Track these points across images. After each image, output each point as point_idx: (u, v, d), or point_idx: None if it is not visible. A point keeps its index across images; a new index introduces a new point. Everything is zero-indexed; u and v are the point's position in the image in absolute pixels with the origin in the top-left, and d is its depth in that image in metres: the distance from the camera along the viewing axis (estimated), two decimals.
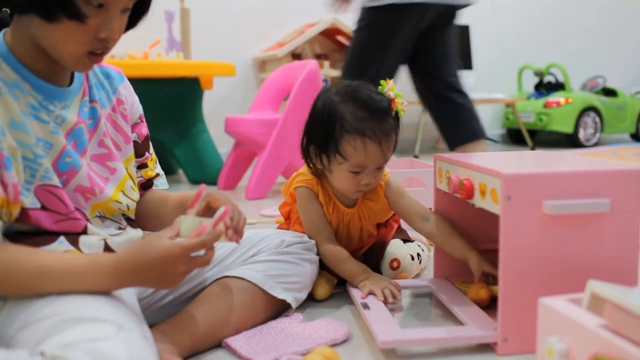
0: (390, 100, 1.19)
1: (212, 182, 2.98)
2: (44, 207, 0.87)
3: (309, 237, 1.26)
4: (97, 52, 0.86)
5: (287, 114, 2.62)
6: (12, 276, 0.80)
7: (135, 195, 1.03)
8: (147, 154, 1.10)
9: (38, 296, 0.81)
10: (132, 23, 0.91)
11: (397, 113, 1.20)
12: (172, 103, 2.87)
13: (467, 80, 4.43)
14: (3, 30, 0.89)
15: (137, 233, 1.04)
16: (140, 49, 3.09)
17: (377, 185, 1.28)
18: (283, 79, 2.87)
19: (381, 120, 1.17)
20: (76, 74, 0.95)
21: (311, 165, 1.27)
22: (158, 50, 3.09)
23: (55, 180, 0.88)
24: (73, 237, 0.90)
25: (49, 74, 0.89)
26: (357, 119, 1.16)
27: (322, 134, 1.19)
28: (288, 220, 1.41)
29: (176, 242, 0.83)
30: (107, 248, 0.94)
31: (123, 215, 1.02)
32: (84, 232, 0.92)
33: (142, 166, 1.09)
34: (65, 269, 0.81)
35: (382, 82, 1.21)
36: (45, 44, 0.85)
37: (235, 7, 3.97)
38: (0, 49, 0.86)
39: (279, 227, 1.42)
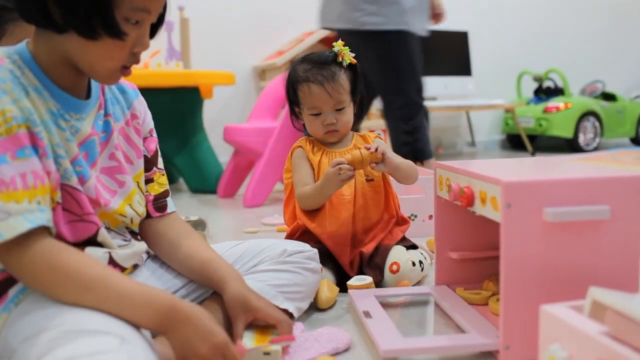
0: (335, 54, 1.41)
1: (212, 191, 2.98)
2: (62, 205, 0.89)
3: (295, 188, 1.42)
4: (127, 66, 0.90)
5: (284, 121, 2.62)
6: (74, 280, 0.81)
7: (142, 209, 1.04)
8: (154, 168, 1.09)
9: (42, 307, 0.81)
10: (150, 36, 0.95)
11: (353, 65, 1.42)
12: (172, 112, 2.88)
13: (467, 86, 4.46)
14: (25, 40, 0.91)
15: (142, 246, 1.04)
16: (141, 59, 3.10)
17: (366, 137, 1.49)
18: (281, 88, 2.86)
19: (322, 67, 1.40)
20: (93, 88, 0.97)
21: (295, 123, 1.51)
22: (158, 60, 3.10)
23: (74, 181, 0.90)
24: (79, 247, 0.90)
25: (68, 85, 0.91)
26: (304, 71, 1.42)
27: (289, 92, 1.47)
28: (289, 196, 1.47)
29: (226, 336, 0.87)
30: (112, 261, 0.95)
31: (127, 228, 1.02)
32: (95, 236, 0.93)
33: (148, 181, 1.08)
34: (124, 290, 0.83)
35: (334, 43, 1.43)
36: (80, 60, 0.87)
37: (235, 16, 3.98)
38: (25, 56, 0.88)
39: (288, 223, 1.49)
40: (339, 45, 1.42)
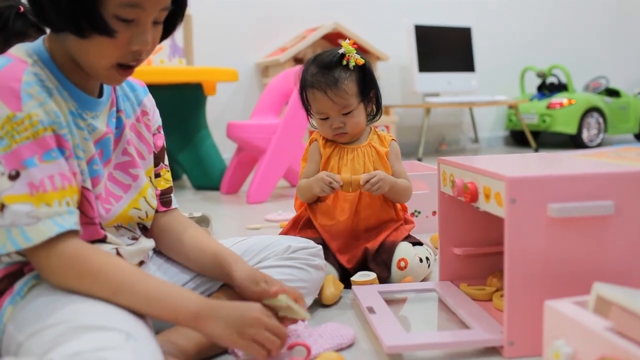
0: (341, 56, 1.38)
1: (216, 187, 2.99)
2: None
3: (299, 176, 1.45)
4: (130, 64, 0.89)
5: (287, 118, 2.62)
6: (102, 285, 0.83)
7: (155, 203, 1.05)
8: (161, 164, 1.11)
9: (48, 302, 0.81)
10: (166, 33, 0.93)
11: (362, 65, 1.40)
12: (175, 109, 2.88)
13: (470, 82, 4.46)
14: (42, 37, 0.92)
15: (149, 243, 1.05)
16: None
17: (382, 137, 1.49)
18: (284, 84, 2.87)
19: (326, 72, 1.39)
20: (105, 86, 0.97)
21: (309, 119, 1.50)
22: (161, 56, 3.10)
23: (88, 184, 0.91)
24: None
25: (83, 84, 0.92)
26: (311, 75, 1.42)
27: (301, 93, 1.46)
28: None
29: (259, 304, 0.91)
30: (119, 256, 0.95)
31: (139, 224, 1.03)
32: (103, 239, 0.93)
33: (156, 176, 1.10)
34: (151, 295, 0.85)
35: (342, 42, 1.40)
36: (80, 59, 0.88)
37: (238, 13, 3.98)
38: (43, 56, 0.89)
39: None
40: (346, 46, 1.39)
